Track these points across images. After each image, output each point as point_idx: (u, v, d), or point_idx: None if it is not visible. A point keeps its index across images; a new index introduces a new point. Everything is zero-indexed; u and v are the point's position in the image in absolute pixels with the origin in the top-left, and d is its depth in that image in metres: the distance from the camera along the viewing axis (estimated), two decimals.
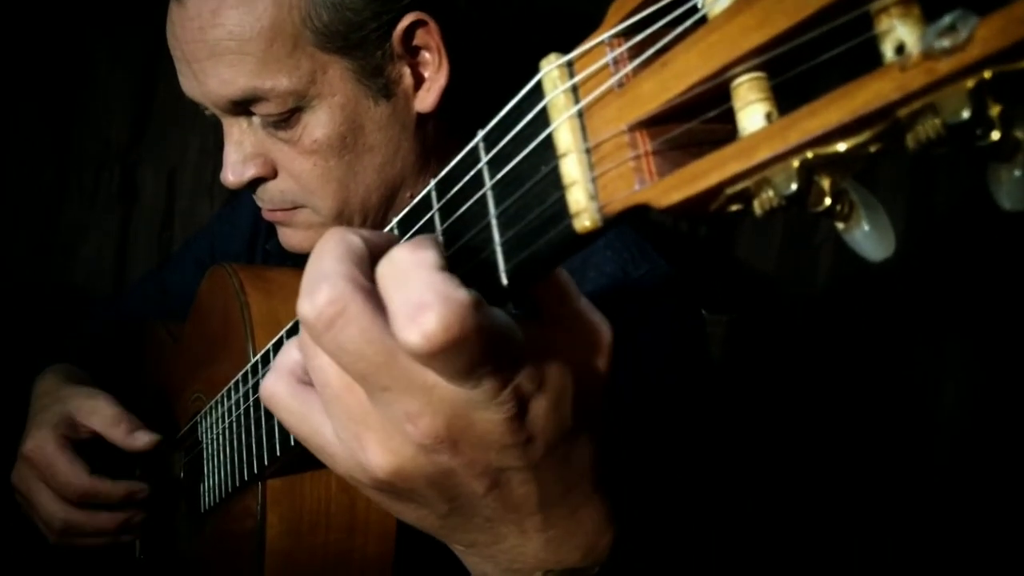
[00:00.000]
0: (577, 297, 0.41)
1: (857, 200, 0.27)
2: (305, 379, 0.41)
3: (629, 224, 0.88)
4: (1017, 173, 0.24)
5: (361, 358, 0.35)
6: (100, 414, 0.85)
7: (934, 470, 1.30)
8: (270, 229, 1.09)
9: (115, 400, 0.87)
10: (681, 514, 0.79)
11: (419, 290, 0.32)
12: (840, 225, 0.28)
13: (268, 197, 0.82)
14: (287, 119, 0.75)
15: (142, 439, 0.84)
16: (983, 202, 1.07)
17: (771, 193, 0.26)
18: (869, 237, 0.28)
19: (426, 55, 0.79)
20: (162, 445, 0.86)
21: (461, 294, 0.32)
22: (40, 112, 1.40)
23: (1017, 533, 1.24)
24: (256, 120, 0.78)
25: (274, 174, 0.80)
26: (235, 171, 0.79)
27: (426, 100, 0.80)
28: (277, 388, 0.41)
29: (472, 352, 0.33)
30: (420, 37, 0.78)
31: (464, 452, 0.37)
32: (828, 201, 0.26)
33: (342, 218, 0.82)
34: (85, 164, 1.41)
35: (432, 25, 0.77)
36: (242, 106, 0.75)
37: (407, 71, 0.78)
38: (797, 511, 1.32)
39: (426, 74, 0.80)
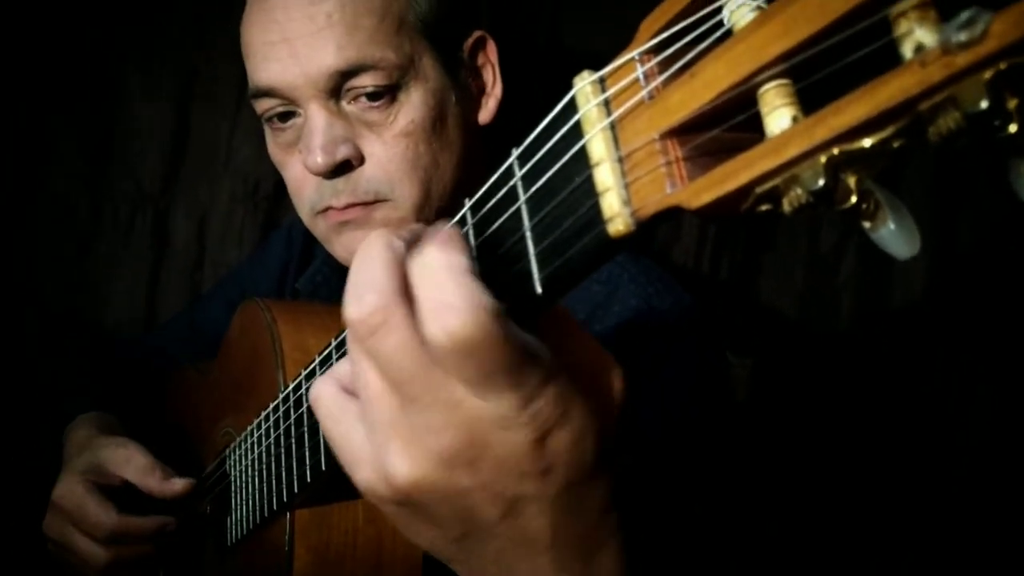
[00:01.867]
0: (590, 337, 0.42)
1: (882, 200, 0.28)
2: (350, 388, 0.42)
3: (653, 260, 0.90)
4: None
5: (396, 366, 0.36)
6: (133, 464, 0.86)
7: (964, 509, 1.27)
8: (299, 269, 1.11)
9: (145, 449, 0.88)
10: (703, 552, 0.78)
11: (448, 291, 0.34)
12: (867, 224, 0.29)
13: (352, 187, 0.80)
14: (383, 98, 0.78)
15: (177, 485, 0.85)
16: (1006, 237, 1.07)
17: (799, 191, 0.27)
18: (895, 235, 0.29)
19: (484, 73, 0.87)
20: (196, 488, 0.86)
21: (485, 300, 0.34)
22: (77, 153, 1.44)
23: None
24: (345, 106, 0.79)
25: (361, 161, 0.80)
26: (327, 151, 0.78)
27: (485, 112, 0.87)
28: (323, 390, 0.43)
29: (493, 360, 0.34)
30: (481, 56, 0.86)
31: (482, 472, 0.38)
32: (854, 199, 0.28)
33: (422, 214, 0.82)
34: (119, 205, 1.44)
35: (491, 45, 0.86)
36: (344, 79, 0.77)
37: (472, 82, 0.85)
38: (820, 544, 1.29)
39: (486, 89, 0.87)
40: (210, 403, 0.97)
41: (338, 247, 0.84)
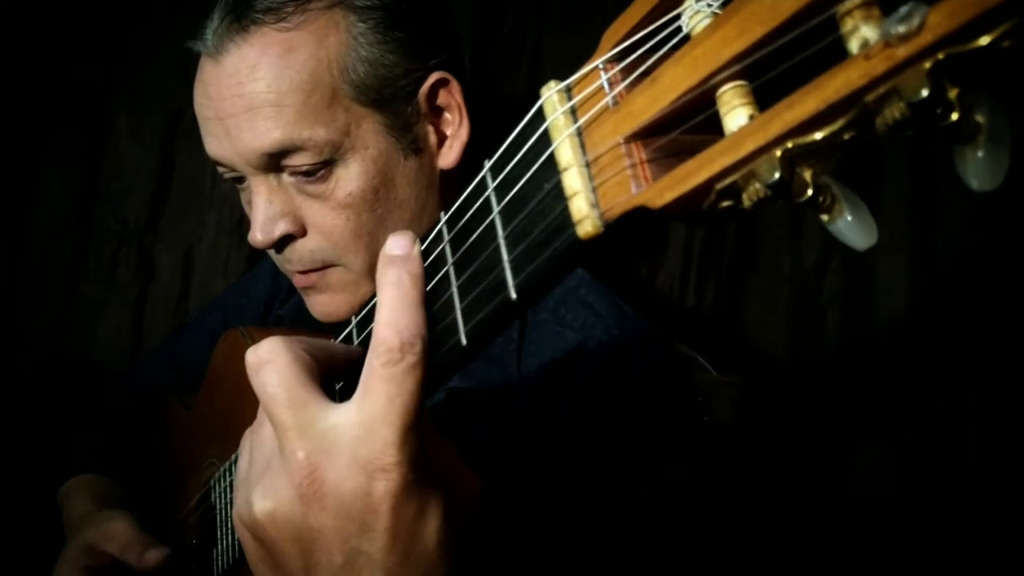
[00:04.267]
0: (451, 447, 0.46)
1: (838, 193, 0.29)
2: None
3: (638, 289, 0.91)
4: (980, 154, 0.26)
5: (274, 400, 0.41)
6: (116, 541, 0.87)
7: (956, 522, 1.27)
8: (284, 299, 1.12)
9: (132, 520, 0.89)
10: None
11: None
12: (824, 217, 0.30)
13: (297, 257, 0.81)
14: (320, 172, 0.76)
15: (151, 557, 0.85)
16: (985, 249, 1.09)
17: (757, 185, 0.28)
18: (852, 226, 0.29)
19: (447, 114, 0.82)
20: (172, 557, 0.87)
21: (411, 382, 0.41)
22: (61, 190, 1.45)
23: None
24: (286, 178, 0.78)
25: (303, 233, 0.80)
26: (264, 230, 0.78)
27: (448, 157, 0.82)
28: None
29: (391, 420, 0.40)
30: (443, 97, 0.81)
31: (328, 510, 0.40)
32: (810, 192, 0.28)
33: (374, 273, 0.82)
34: (104, 241, 1.45)
35: (454, 84, 0.81)
36: (276, 159, 0.76)
37: (431, 129, 0.81)
38: (810, 559, 1.29)
39: (448, 132, 0.83)
40: (196, 435, 0.97)
41: (310, 308, 0.86)
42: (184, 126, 1.47)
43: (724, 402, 1.16)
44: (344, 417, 0.41)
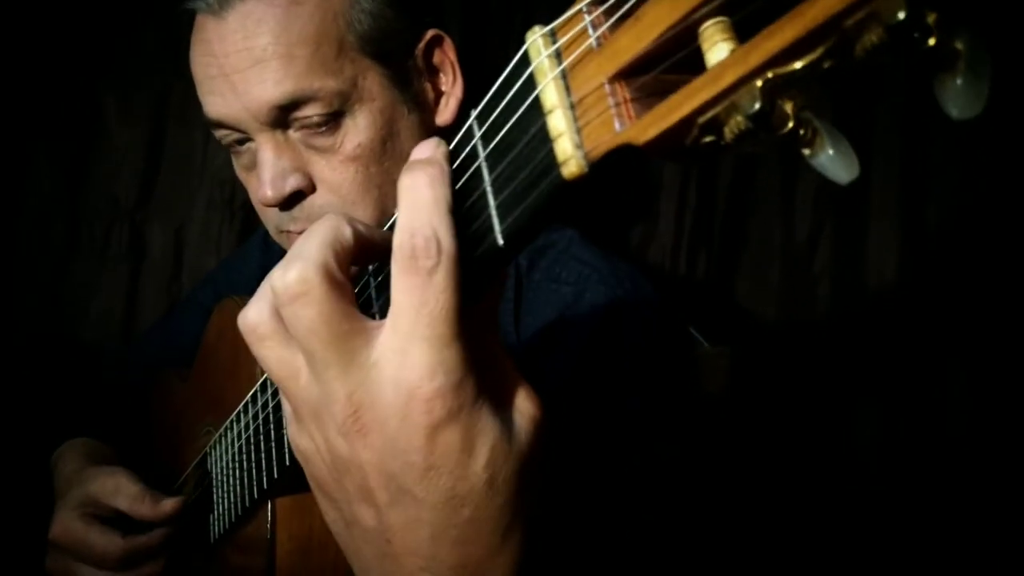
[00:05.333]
0: (511, 364, 0.41)
1: (820, 127, 0.30)
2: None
3: (629, 261, 0.91)
4: (959, 81, 0.26)
5: (314, 336, 0.37)
6: (123, 493, 0.87)
7: (946, 498, 1.29)
8: None
9: (134, 475, 0.89)
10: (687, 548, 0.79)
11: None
12: (806, 151, 0.30)
13: (306, 215, 0.80)
14: (328, 125, 0.76)
15: (168, 505, 0.85)
16: (975, 220, 1.10)
17: (739, 117, 0.28)
18: (834, 160, 0.30)
19: (442, 73, 0.85)
20: (187, 504, 0.87)
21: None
22: (51, 170, 1.45)
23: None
24: (292, 134, 0.78)
25: (312, 189, 0.80)
26: (275, 185, 0.78)
27: (444, 114, 0.85)
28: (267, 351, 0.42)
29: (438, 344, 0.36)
30: (437, 55, 0.84)
31: (373, 447, 0.37)
32: (791, 124, 0.29)
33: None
34: (95, 220, 1.45)
35: (448, 42, 0.84)
36: (285, 112, 0.76)
37: (428, 86, 0.84)
38: (800, 537, 1.30)
39: (444, 89, 0.85)
40: (192, 405, 0.97)
41: None
42: (173, 103, 1.46)
43: (715, 373, 1.17)
44: (382, 343, 0.37)
